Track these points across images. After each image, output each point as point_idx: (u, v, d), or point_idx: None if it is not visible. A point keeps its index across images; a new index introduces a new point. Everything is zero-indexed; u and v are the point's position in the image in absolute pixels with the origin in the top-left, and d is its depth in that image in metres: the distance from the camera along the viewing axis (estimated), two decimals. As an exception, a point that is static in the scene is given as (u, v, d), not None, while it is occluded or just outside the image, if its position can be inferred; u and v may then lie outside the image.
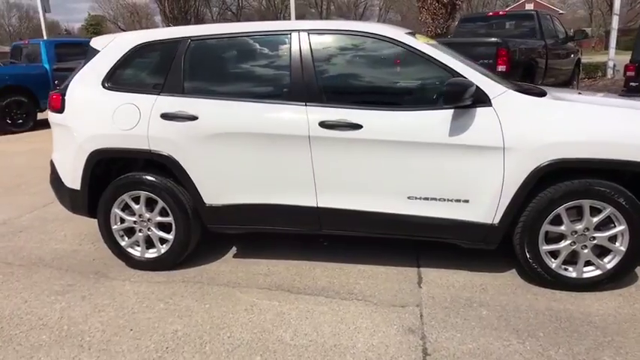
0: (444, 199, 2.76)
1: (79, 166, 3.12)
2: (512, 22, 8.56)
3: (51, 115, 3.27)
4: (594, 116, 2.61)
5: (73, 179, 3.19)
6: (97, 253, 3.55)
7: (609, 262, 2.71)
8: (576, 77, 10.38)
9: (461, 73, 2.68)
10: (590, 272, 2.75)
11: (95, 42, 3.25)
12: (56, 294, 2.97)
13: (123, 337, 2.49)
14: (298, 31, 2.88)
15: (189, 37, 3.02)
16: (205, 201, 3.03)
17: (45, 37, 13.43)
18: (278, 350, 2.35)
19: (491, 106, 2.64)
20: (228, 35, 2.99)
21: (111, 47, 3.15)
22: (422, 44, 2.77)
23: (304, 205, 2.92)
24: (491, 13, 8.78)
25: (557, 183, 2.63)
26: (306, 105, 2.80)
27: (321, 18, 42.79)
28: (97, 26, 43.90)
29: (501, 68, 6.93)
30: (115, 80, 3.10)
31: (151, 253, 3.21)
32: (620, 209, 2.60)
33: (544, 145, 2.56)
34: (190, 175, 2.99)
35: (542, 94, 2.85)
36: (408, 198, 2.80)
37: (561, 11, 49.93)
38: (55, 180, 3.32)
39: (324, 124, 2.76)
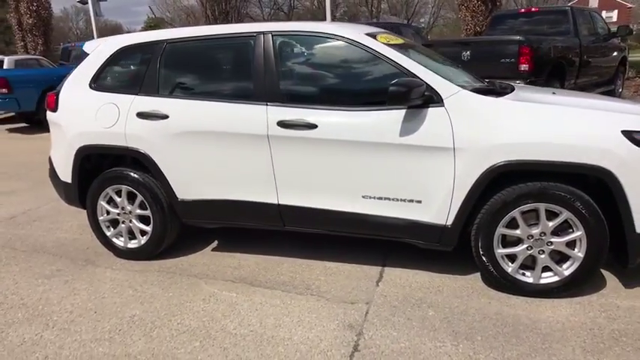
0: (397, 199, 2.77)
1: (70, 161, 3.39)
2: (544, 18, 8.20)
3: (48, 114, 3.56)
4: (548, 118, 2.53)
5: (65, 173, 3.47)
6: (93, 242, 3.79)
7: (567, 269, 2.62)
8: (621, 76, 9.78)
9: (414, 72, 2.69)
10: (548, 278, 2.67)
11: (87, 46, 3.51)
12: (44, 277, 3.26)
13: (85, 319, 2.70)
14: (263, 33, 2.99)
15: (165, 40, 3.21)
16: (178, 196, 3.21)
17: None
18: (218, 338, 2.47)
19: (443, 106, 2.62)
20: (199, 38, 3.15)
21: (98, 50, 3.40)
22: (379, 44, 2.79)
23: (266, 202, 3.03)
24: (523, 10, 8.46)
25: (512, 185, 2.58)
26: (267, 105, 2.90)
27: (371, 16, 42.59)
28: (155, 28, 46.04)
29: (524, 67, 6.69)
30: (100, 81, 3.34)
31: (133, 244, 3.43)
32: (577, 214, 2.51)
33: (493, 147, 2.52)
34: (163, 171, 3.17)
35: (503, 93, 2.79)
36: (363, 197, 2.83)
37: (630, 5, 46.78)
38: (52, 174, 3.62)
39: (282, 124, 2.85)
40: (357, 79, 2.93)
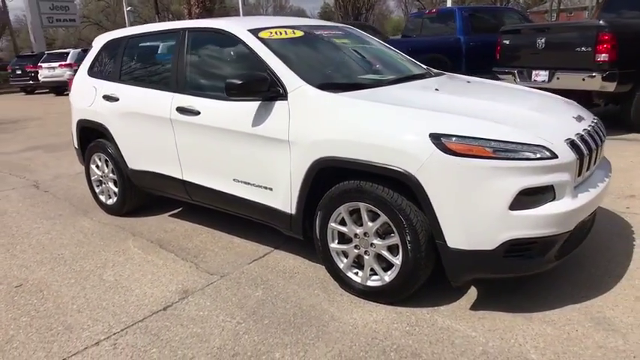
0: (255, 185, 2.96)
1: (75, 131, 4.32)
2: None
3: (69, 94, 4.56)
4: (366, 116, 2.44)
5: (76, 140, 4.42)
6: (105, 197, 4.74)
7: (389, 275, 2.51)
8: None
9: (270, 67, 2.81)
10: (375, 282, 2.59)
11: (94, 40, 4.37)
12: (45, 218, 4.26)
13: (32, 249, 3.56)
14: (182, 29, 3.40)
15: (128, 36, 3.85)
16: (128, 165, 3.87)
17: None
18: (89, 279, 3.05)
19: (286, 100, 2.71)
20: (146, 34, 3.72)
21: (96, 43, 4.22)
22: (252, 39, 2.97)
23: (176, 176, 3.48)
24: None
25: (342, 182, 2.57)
26: (175, 93, 3.33)
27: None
28: (331, 13, 48.38)
29: (603, 57, 5.72)
30: (93, 69, 4.17)
31: (110, 201, 4.23)
32: (393, 218, 2.40)
33: (315, 142, 2.55)
34: (118, 144, 3.86)
35: (367, 87, 2.77)
36: (234, 180, 3.09)
37: None
38: (72, 141, 4.62)
39: (179, 109, 3.26)
40: (233, 70, 3.16)
